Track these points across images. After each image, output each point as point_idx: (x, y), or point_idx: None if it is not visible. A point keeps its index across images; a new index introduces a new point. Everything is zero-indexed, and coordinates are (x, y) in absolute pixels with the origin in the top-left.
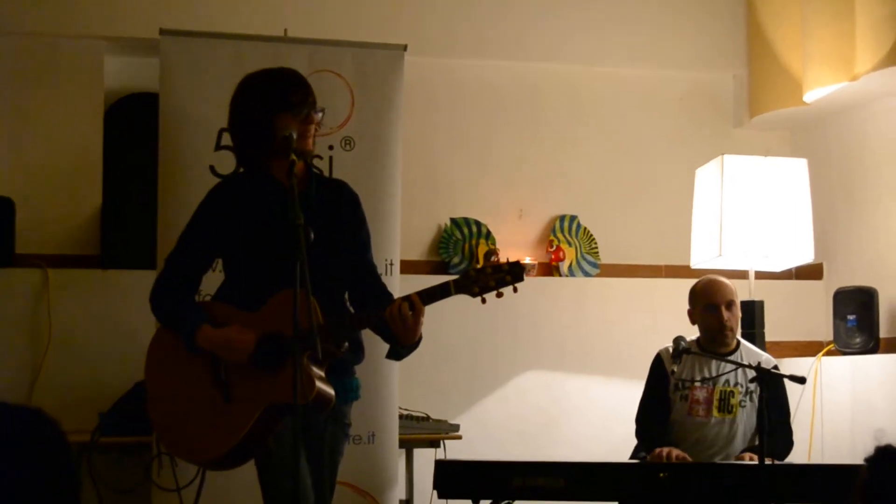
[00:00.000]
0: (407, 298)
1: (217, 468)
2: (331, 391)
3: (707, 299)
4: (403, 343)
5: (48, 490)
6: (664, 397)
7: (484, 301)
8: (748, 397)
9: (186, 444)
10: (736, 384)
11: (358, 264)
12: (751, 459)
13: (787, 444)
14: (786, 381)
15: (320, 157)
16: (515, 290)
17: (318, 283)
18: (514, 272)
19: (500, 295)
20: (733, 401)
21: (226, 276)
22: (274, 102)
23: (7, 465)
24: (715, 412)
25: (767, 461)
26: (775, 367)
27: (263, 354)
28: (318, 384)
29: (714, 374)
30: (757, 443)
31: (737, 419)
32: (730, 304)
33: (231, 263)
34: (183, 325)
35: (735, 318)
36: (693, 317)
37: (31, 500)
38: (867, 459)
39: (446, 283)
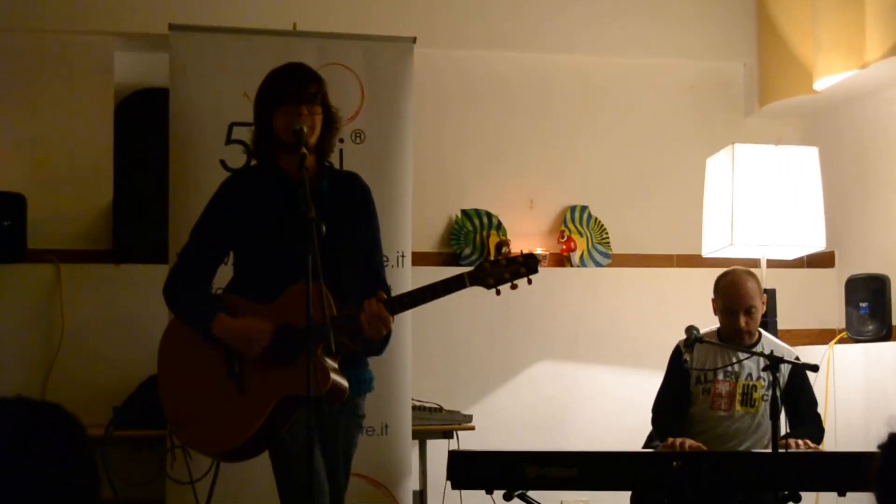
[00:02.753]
0: (381, 301)
1: (231, 459)
2: (345, 383)
3: (726, 303)
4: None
5: (68, 484)
6: (682, 388)
7: (499, 293)
8: (771, 391)
9: (200, 436)
10: (759, 378)
11: (367, 259)
12: (786, 446)
13: (819, 432)
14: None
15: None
16: (530, 281)
17: (329, 275)
18: (529, 264)
19: (514, 287)
20: (756, 395)
21: (236, 269)
22: (270, 98)
23: (27, 459)
24: (738, 406)
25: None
26: (797, 359)
27: (279, 347)
28: (333, 376)
29: (733, 361)
30: (789, 430)
31: (759, 413)
32: (749, 310)
33: (243, 256)
34: (198, 316)
35: (755, 321)
36: (715, 309)
37: (51, 493)
38: (880, 447)
39: (461, 275)
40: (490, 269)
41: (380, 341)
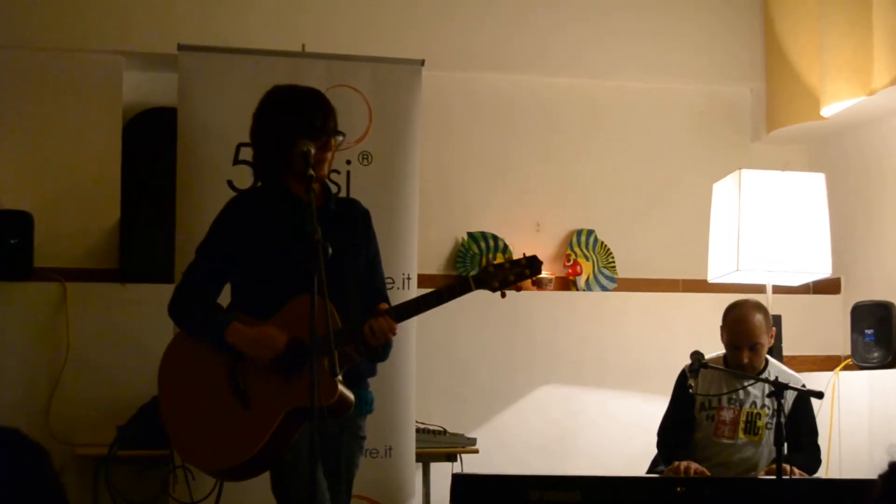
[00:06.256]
0: (386, 312)
1: (235, 478)
2: (351, 396)
3: (731, 338)
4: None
5: None
6: (688, 414)
7: (504, 296)
8: (775, 418)
9: (204, 453)
10: (763, 406)
11: (370, 278)
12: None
13: (816, 462)
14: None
15: (338, 172)
16: (533, 282)
17: (333, 295)
18: (532, 265)
19: (518, 289)
20: (760, 423)
21: (239, 288)
22: (297, 125)
23: None
24: (741, 434)
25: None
26: (803, 386)
27: (286, 358)
28: (340, 387)
29: (738, 388)
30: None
31: (763, 442)
32: (754, 346)
33: (248, 276)
34: (212, 325)
35: (759, 357)
36: (723, 338)
37: None
38: (881, 476)
39: (466, 279)
40: (494, 272)
41: (384, 347)
